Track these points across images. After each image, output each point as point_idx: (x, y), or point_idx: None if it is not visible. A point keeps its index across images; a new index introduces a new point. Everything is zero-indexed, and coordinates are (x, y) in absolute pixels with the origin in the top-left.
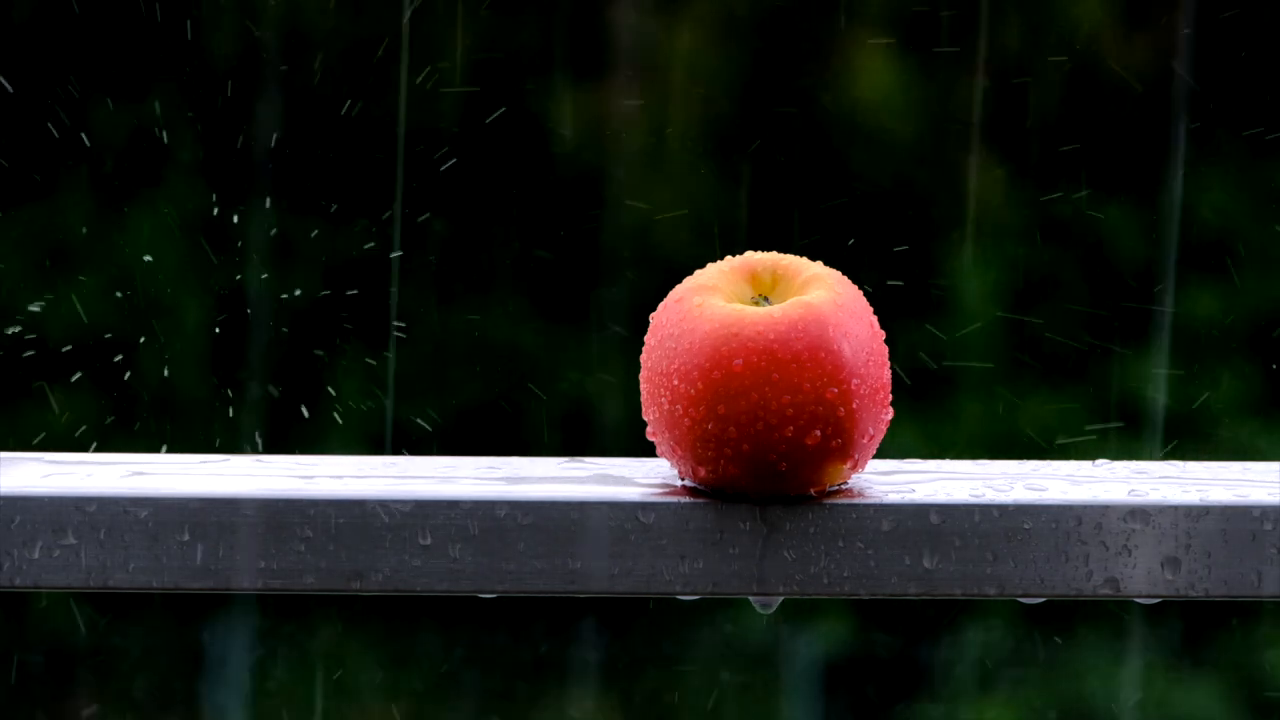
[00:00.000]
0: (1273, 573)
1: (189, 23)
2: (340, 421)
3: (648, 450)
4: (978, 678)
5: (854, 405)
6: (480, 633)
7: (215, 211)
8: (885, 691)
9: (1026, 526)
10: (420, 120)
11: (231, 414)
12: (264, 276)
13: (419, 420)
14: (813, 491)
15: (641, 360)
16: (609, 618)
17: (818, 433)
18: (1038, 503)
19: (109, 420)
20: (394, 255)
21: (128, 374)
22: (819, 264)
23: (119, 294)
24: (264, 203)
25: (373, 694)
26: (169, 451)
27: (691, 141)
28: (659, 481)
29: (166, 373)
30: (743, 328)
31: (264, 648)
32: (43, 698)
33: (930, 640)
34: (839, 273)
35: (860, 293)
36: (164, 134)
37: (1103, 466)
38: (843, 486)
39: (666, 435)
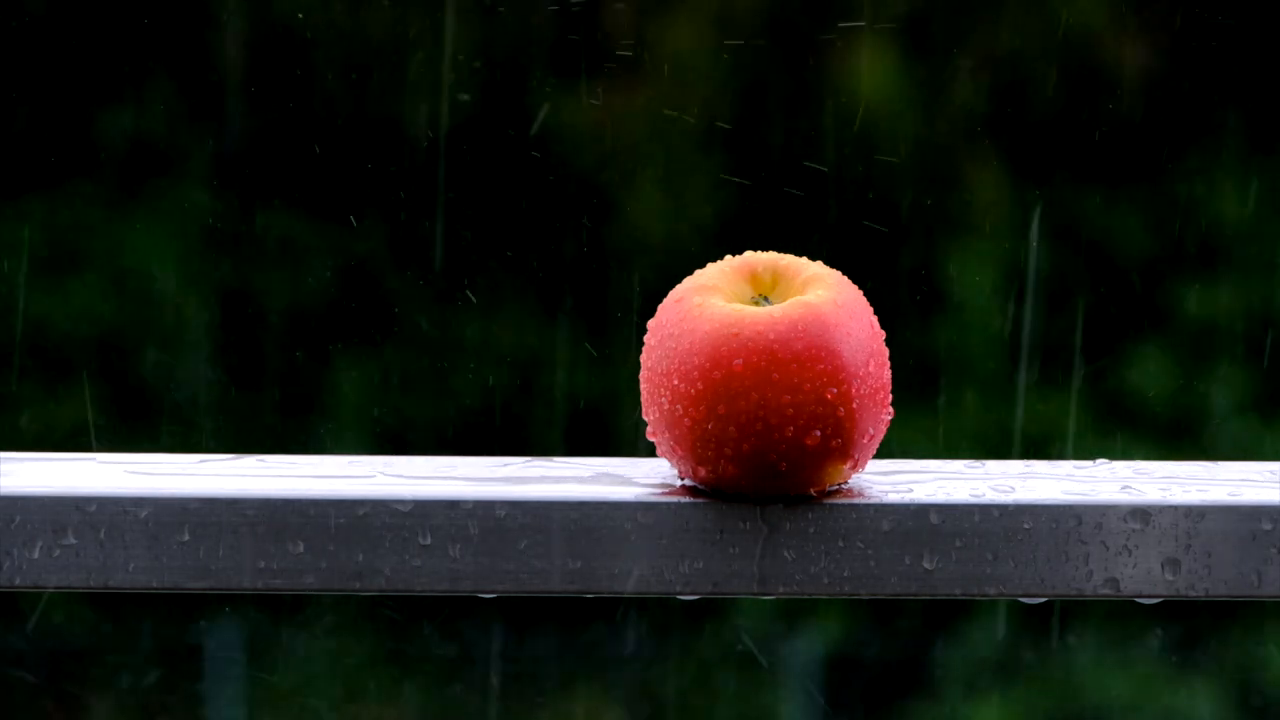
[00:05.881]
0: (1273, 573)
1: (192, 23)
2: (340, 421)
3: (648, 450)
4: (977, 678)
5: (854, 405)
6: (480, 632)
7: (217, 212)
8: (885, 691)
9: (1026, 526)
10: (421, 120)
11: (232, 414)
12: (265, 276)
13: (419, 420)
14: (813, 491)
15: (641, 360)
16: (609, 617)
17: (818, 433)
18: (1038, 503)
19: (109, 420)
20: (395, 255)
21: (128, 374)
22: (819, 264)
23: (120, 293)
24: (265, 203)
25: (372, 694)
26: (169, 451)
27: (691, 141)
28: (659, 481)
29: (167, 373)
30: (743, 328)
31: (263, 647)
32: (42, 697)
33: (930, 640)
34: (839, 273)
35: (860, 293)
36: (166, 134)
37: (1103, 466)
38: (843, 486)
39: (666, 435)
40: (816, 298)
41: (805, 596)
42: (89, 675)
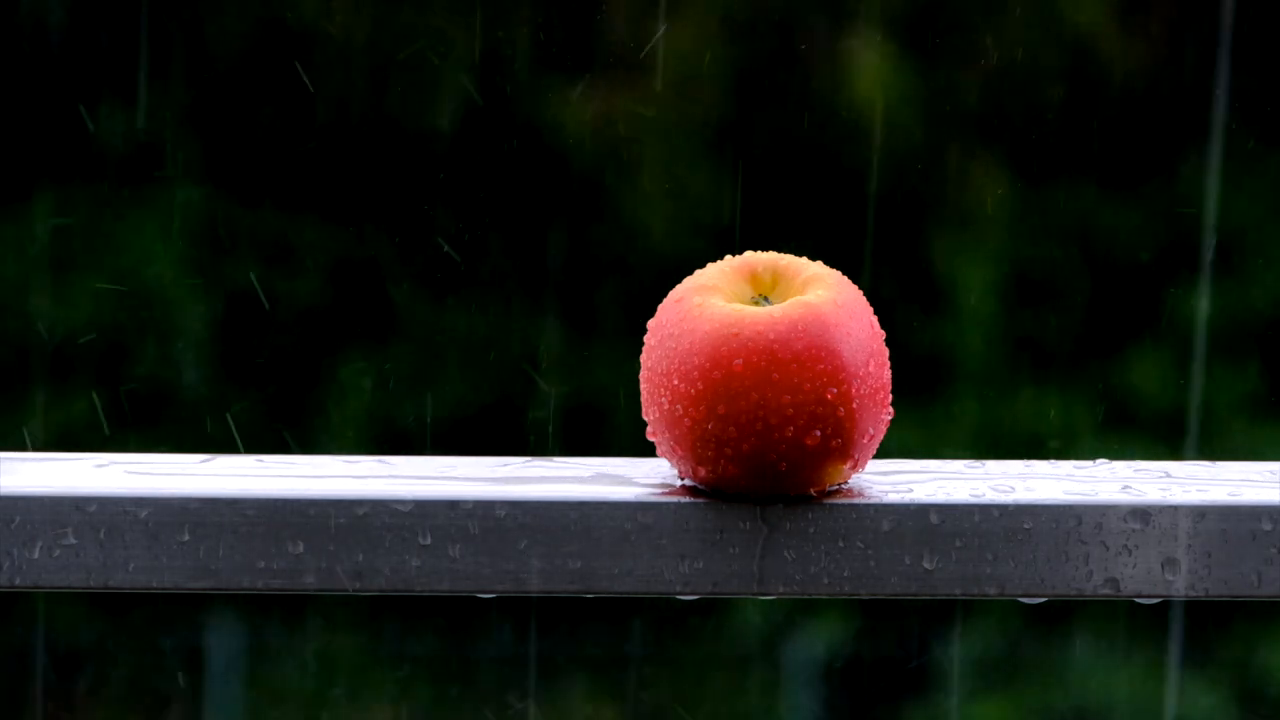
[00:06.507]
0: (1273, 573)
1: (191, 22)
2: (340, 421)
3: (648, 450)
4: (977, 678)
5: (854, 405)
6: (480, 632)
7: (216, 211)
8: (885, 691)
9: (1026, 526)
10: (420, 120)
11: (232, 414)
12: (265, 276)
13: (419, 420)
14: (813, 491)
15: (641, 360)
16: (609, 617)
17: (818, 433)
18: (1038, 503)
19: (109, 420)
20: (394, 255)
21: (128, 374)
22: (819, 264)
23: (120, 294)
24: (265, 203)
25: (372, 694)
26: (169, 451)
27: (691, 140)
28: (659, 481)
29: (167, 373)
30: (743, 328)
31: (262, 647)
32: (42, 697)
33: (930, 640)
34: (839, 273)
35: (860, 293)
36: (166, 134)
37: (1103, 466)
38: (843, 486)
39: (666, 435)
40: (816, 298)
41: (805, 596)
42: (89, 675)
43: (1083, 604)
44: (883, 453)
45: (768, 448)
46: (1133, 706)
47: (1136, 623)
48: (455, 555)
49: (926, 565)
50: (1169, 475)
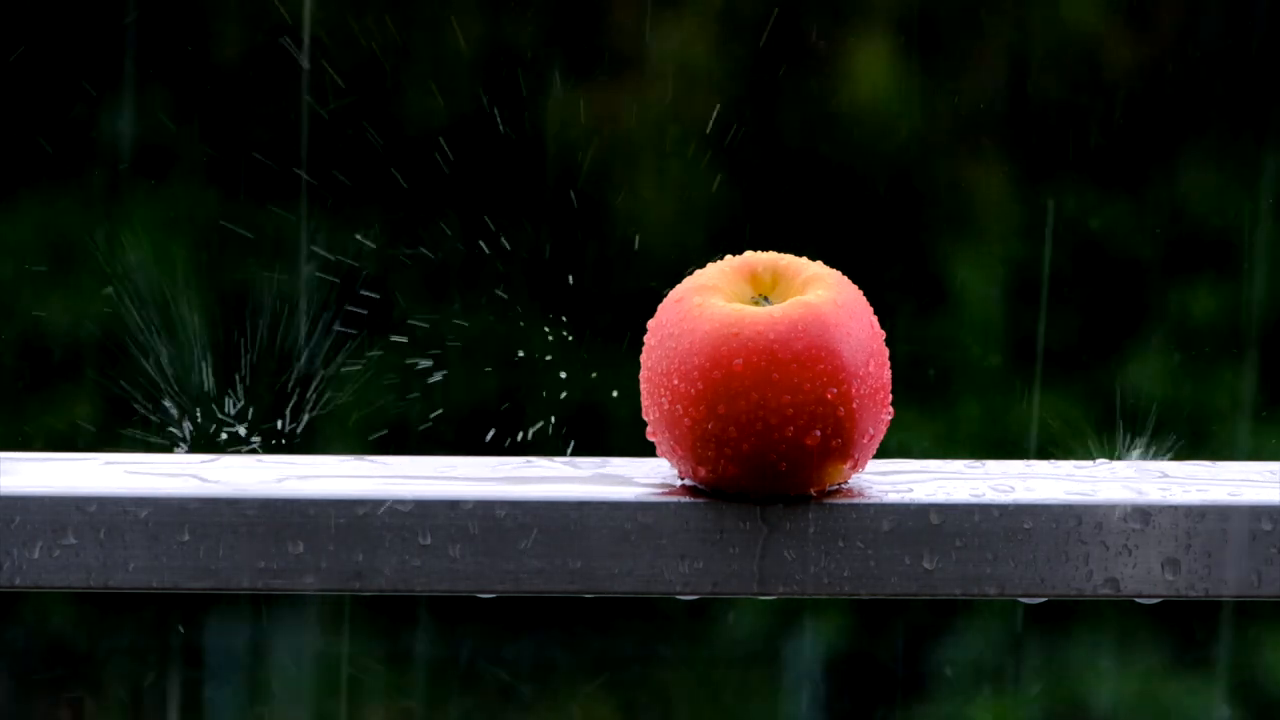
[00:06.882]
0: (1273, 573)
1: (190, 20)
2: (340, 421)
3: (648, 450)
4: (977, 678)
5: (854, 405)
6: (479, 633)
7: (216, 211)
8: (885, 691)
9: (1026, 526)
10: (420, 119)
11: (231, 414)
12: (264, 276)
13: (419, 420)
14: (813, 491)
15: (641, 360)
16: (608, 618)
17: (818, 433)
18: (1038, 503)
19: (109, 421)
20: (393, 255)
21: (128, 374)
22: (819, 264)
23: (119, 293)
24: (265, 202)
25: (371, 694)
26: (170, 451)
27: (691, 140)
28: (659, 481)
29: (166, 372)
30: (743, 328)
31: (263, 647)
32: (43, 697)
33: (930, 640)
34: (839, 273)
35: (860, 293)
36: (165, 133)
37: (1103, 466)
38: (843, 486)
39: (666, 435)
40: (816, 298)
41: (805, 596)
42: (89, 675)
43: (1083, 604)
44: (883, 453)
45: (768, 448)
46: (1133, 706)
47: (1136, 623)
48: (455, 555)
49: (926, 565)
50: (1169, 475)
